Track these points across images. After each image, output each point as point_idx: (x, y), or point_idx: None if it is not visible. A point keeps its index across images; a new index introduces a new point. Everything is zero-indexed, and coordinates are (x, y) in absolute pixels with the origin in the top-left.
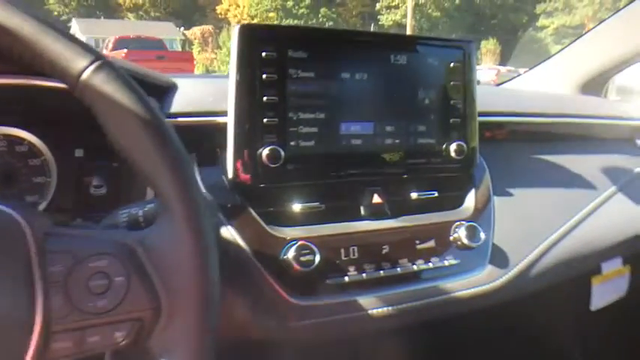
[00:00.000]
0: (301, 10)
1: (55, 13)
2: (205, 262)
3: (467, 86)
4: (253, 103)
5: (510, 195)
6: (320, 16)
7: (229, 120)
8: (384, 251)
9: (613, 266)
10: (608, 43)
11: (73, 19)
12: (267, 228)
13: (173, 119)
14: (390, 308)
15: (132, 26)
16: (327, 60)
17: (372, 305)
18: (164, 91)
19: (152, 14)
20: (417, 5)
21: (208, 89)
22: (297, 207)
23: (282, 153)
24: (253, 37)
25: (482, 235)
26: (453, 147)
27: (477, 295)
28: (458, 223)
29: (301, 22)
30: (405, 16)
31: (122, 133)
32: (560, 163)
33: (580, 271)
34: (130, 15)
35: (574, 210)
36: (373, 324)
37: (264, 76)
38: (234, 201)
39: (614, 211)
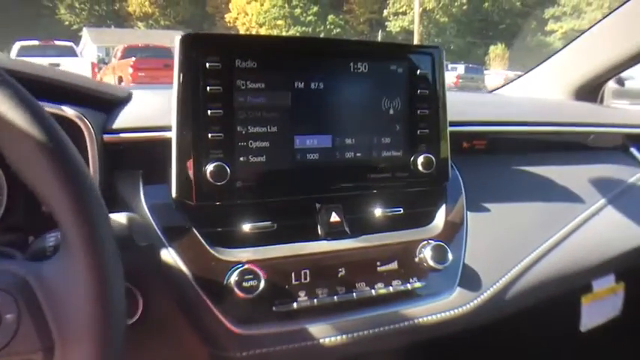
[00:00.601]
0: (309, 18)
1: (66, 22)
2: (105, 300)
3: (435, 95)
4: (197, 117)
5: (487, 210)
6: (327, 23)
7: (173, 135)
8: (340, 274)
9: (605, 284)
10: (602, 46)
11: (84, 29)
12: (211, 250)
13: (116, 135)
14: (345, 336)
15: (142, 35)
16: (279, 70)
17: (325, 333)
18: (114, 105)
19: (162, 23)
20: (424, 11)
21: (164, 101)
22: (246, 227)
23: (228, 170)
24: (196, 47)
25: (450, 256)
26: (420, 160)
27: (445, 321)
28: (424, 242)
29: (309, 30)
30: (412, 22)
31: (16, 155)
32: (546, 174)
33: (567, 289)
34: (140, 24)
35: (559, 225)
36: (326, 354)
37: (208, 88)
38: (178, 221)
39: (605, 224)
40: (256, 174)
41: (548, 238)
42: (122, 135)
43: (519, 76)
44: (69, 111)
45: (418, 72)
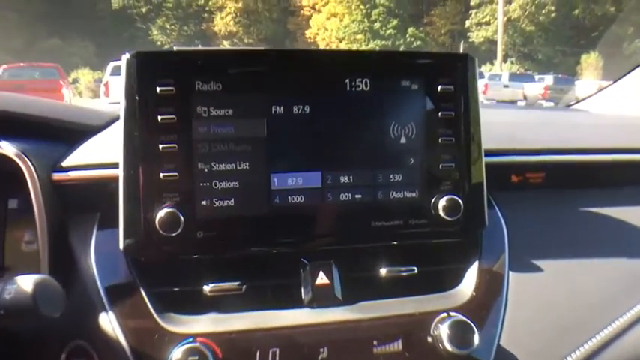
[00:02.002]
0: (388, 32)
1: (158, 43)
2: None
3: (464, 117)
4: (145, 154)
5: (538, 271)
6: (407, 36)
7: (120, 175)
8: (320, 356)
9: None
10: None
11: (174, 47)
12: (157, 317)
13: (65, 174)
14: None
15: None
16: (251, 91)
17: None
18: (81, 137)
19: (245, 41)
20: (509, 20)
21: None
22: (206, 288)
23: (182, 217)
24: (146, 68)
25: (477, 338)
26: (442, 203)
27: None
28: (442, 315)
29: (389, 44)
30: (496, 32)
31: None
32: (628, 221)
33: None
34: (225, 42)
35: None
36: None
37: (159, 117)
38: (125, 277)
39: None
40: (222, 222)
41: (624, 313)
42: (72, 173)
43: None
44: (8, 148)
45: (439, 88)
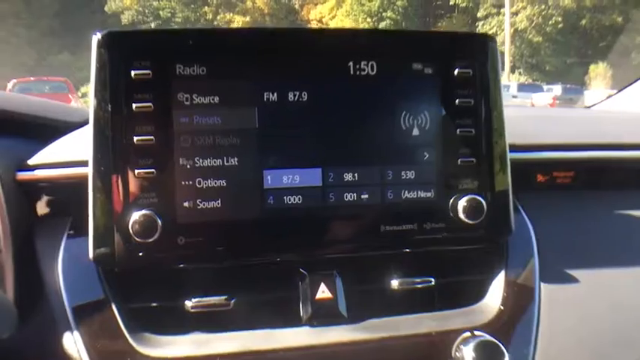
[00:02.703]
0: None
1: None
2: None
3: (485, 106)
4: (118, 147)
5: (574, 282)
6: None
7: (89, 173)
8: None
9: None
10: None
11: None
12: (130, 338)
13: (30, 172)
14: None
15: None
16: (240, 76)
17: None
18: (55, 134)
19: None
20: (516, 31)
21: None
22: (187, 304)
23: (159, 221)
24: (118, 49)
25: None
26: (462, 204)
27: None
28: (465, 335)
29: None
30: (503, 43)
31: None
32: None
33: None
34: None
35: None
36: None
37: (134, 105)
38: (94, 291)
39: None
40: (207, 227)
41: None
42: (38, 172)
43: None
44: None
45: (456, 72)
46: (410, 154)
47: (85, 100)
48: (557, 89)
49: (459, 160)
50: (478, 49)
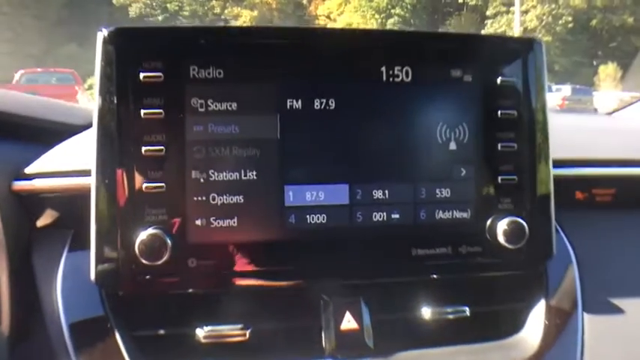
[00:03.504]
0: None
1: None
2: None
3: (529, 118)
4: (124, 158)
5: (619, 312)
6: None
7: (92, 186)
8: None
9: None
10: None
11: None
12: None
13: (28, 182)
14: None
15: None
16: (261, 80)
17: None
18: (55, 138)
19: None
20: (525, 31)
21: None
22: (199, 332)
23: (169, 241)
24: (127, 48)
25: None
26: (502, 227)
27: None
28: None
29: None
30: None
31: None
32: None
33: None
34: None
35: None
36: None
37: (142, 112)
38: (95, 316)
39: None
40: (221, 248)
41: None
42: (37, 182)
43: (635, 99)
44: None
45: (499, 81)
46: (446, 171)
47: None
48: (566, 89)
49: (500, 178)
50: (523, 55)
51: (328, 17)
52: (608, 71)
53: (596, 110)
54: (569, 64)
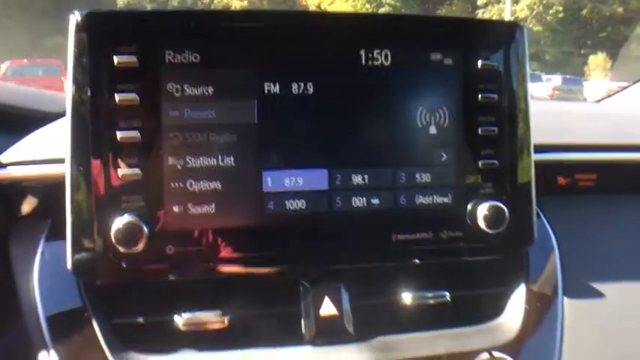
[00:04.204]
0: None
1: None
2: None
3: (510, 102)
4: (99, 145)
5: (599, 297)
6: None
7: (66, 173)
8: None
9: None
10: None
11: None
12: (112, 357)
13: (3, 170)
14: None
15: None
16: (238, 64)
17: None
18: (31, 125)
19: None
20: (516, 20)
21: None
22: (177, 319)
23: (145, 228)
24: (100, 32)
25: None
26: (482, 211)
27: None
28: (484, 357)
29: None
30: None
31: None
32: None
33: None
34: None
35: None
36: None
37: (117, 97)
38: (72, 305)
39: None
40: (199, 234)
41: None
42: (12, 170)
43: (624, 87)
44: None
45: (480, 64)
46: (426, 155)
47: None
48: (556, 79)
49: (480, 163)
50: (505, 39)
51: (319, 7)
52: (598, 61)
53: (586, 100)
54: (559, 53)
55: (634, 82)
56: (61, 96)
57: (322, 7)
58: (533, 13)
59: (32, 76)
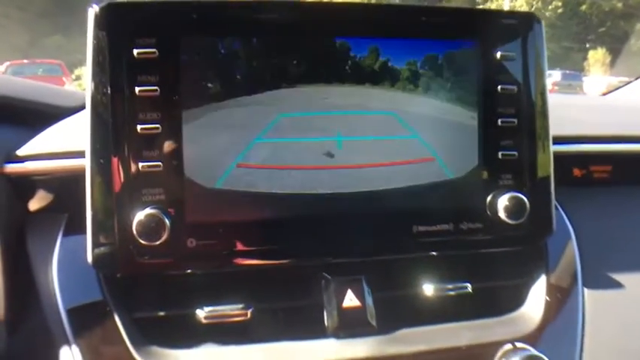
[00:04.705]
0: None
1: None
2: None
3: (529, 93)
4: (119, 137)
5: (618, 287)
6: None
7: (86, 166)
8: None
9: None
10: None
11: None
12: (135, 351)
13: (21, 164)
14: None
15: None
16: (258, 57)
17: None
18: (48, 120)
19: None
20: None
21: None
22: (199, 313)
23: (167, 221)
24: (119, 23)
25: None
26: (503, 202)
27: None
28: (507, 348)
29: None
30: None
31: None
32: None
33: None
34: None
35: None
36: None
37: (137, 89)
38: (93, 298)
39: None
40: (220, 227)
41: None
42: (29, 164)
43: (623, 83)
44: None
45: (499, 55)
46: (445, 146)
47: (80, 83)
48: (556, 75)
49: (500, 154)
50: (524, 30)
51: None
52: (597, 56)
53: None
54: (558, 49)
55: (637, 77)
56: (77, 92)
57: None
58: (533, 8)
59: (32, 76)
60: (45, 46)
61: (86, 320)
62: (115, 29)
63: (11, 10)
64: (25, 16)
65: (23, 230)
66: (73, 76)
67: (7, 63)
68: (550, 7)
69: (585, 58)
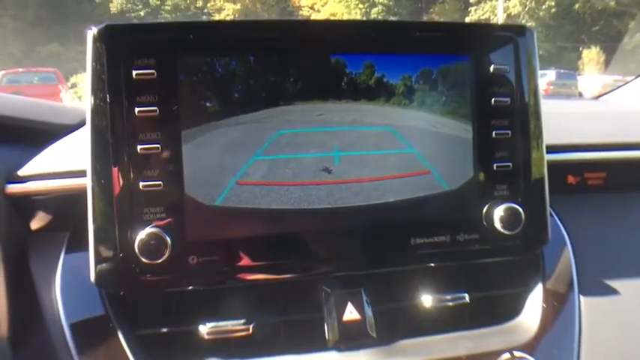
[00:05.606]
0: None
1: None
2: None
3: (523, 105)
4: (120, 157)
5: (614, 294)
6: None
7: (88, 186)
8: None
9: None
10: None
11: None
12: None
13: (22, 185)
14: None
15: None
16: (256, 75)
17: None
18: (48, 139)
19: None
20: (509, 17)
21: None
22: (202, 329)
23: (168, 239)
24: (118, 45)
25: None
26: (498, 213)
27: None
28: (504, 358)
29: None
30: None
31: None
32: None
33: None
34: None
35: None
36: None
37: (137, 109)
38: (96, 316)
39: None
40: (221, 244)
41: None
42: (31, 184)
43: (617, 82)
44: None
45: (492, 68)
46: (441, 159)
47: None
48: (550, 74)
49: (495, 166)
50: (517, 43)
51: (312, 8)
52: (591, 55)
53: (581, 94)
54: (553, 48)
55: (635, 78)
56: (76, 108)
57: (316, 8)
58: (526, 9)
59: (28, 84)
60: (41, 55)
61: (90, 337)
62: (114, 51)
63: (5, 19)
64: (19, 25)
65: (25, 249)
66: (69, 84)
67: (3, 72)
68: (543, 7)
69: (579, 57)
